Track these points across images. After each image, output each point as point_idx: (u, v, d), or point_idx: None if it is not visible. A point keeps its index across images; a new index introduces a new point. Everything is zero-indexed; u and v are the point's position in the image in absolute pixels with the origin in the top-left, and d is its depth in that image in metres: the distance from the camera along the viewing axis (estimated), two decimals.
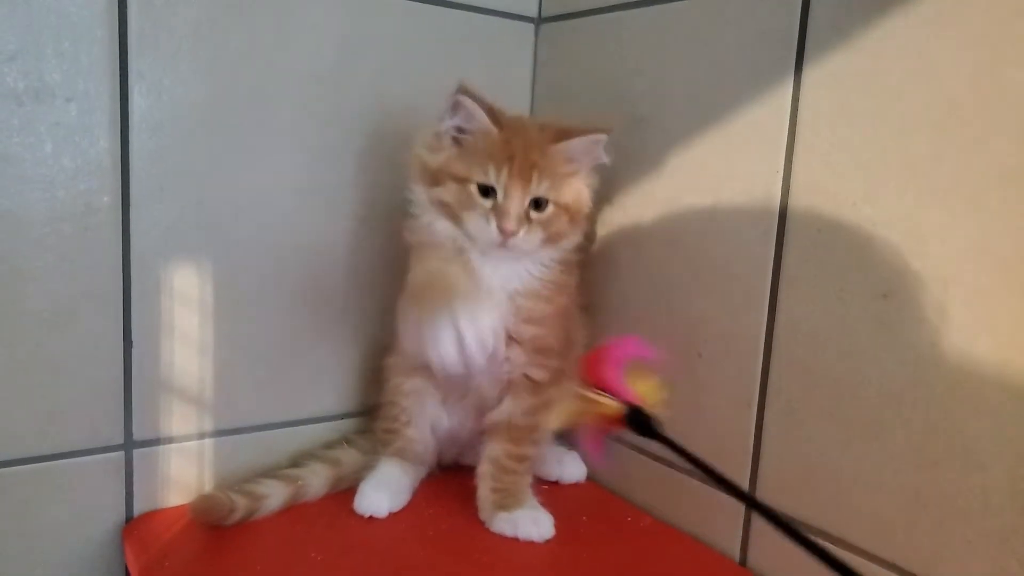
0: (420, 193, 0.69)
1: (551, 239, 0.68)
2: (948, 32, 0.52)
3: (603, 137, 0.67)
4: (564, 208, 0.67)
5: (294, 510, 0.71)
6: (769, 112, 0.64)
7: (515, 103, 0.88)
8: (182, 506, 0.72)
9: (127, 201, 0.68)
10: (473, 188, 0.65)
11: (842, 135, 0.59)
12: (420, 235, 0.70)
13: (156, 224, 0.69)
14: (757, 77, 0.64)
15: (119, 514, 0.71)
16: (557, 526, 0.70)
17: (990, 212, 0.51)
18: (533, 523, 0.69)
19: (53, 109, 0.64)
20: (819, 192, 0.60)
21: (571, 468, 0.81)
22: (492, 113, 0.66)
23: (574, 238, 0.71)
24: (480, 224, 0.65)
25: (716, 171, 0.68)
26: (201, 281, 0.72)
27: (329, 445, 0.79)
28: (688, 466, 0.70)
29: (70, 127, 0.64)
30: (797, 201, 0.62)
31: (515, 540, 0.68)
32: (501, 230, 0.64)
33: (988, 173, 0.51)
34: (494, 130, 0.66)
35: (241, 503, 0.68)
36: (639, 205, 0.76)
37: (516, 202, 0.64)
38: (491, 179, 0.65)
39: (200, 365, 0.73)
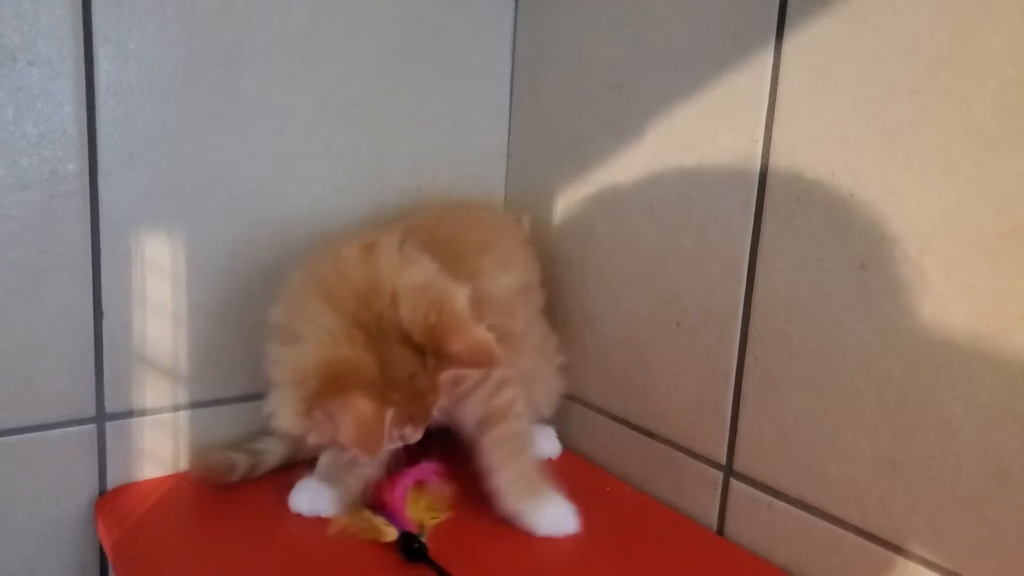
0: None
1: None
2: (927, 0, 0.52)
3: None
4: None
5: (273, 481, 0.71)
6: (749, 80, 0.63)
7: (495, 71, 0.87)
8: (156, 479, 0.72)
9: (95, 168, 0.66)
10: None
11: (821, 103, 0.58)
12: None
13: (126, 192, 0.67)
14: (737, 44, 0.64)
15: (92, 488, 0.70)
16: None
17: (966, 180, 0.50)
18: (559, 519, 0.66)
19: (14, 73, 0.62)
20: (798, 161, 0.60)
21: (542, 445, 0.80)
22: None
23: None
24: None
25: (695, 139, 0.68)
26: (173, 250, 0.71)
27: None
28: (667, 435, 0.71)
29: (32, 92, 0.62)
30: (776, 170, 0.62)
31: (491, 513, 0.67)
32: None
33: (965, 141, 0.50)
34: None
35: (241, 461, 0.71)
36: (617, 174, 0.75)
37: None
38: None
39: (174, 336, 0.72)
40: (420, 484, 0.66)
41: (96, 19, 0.64)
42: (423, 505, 0.65)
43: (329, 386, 0.56)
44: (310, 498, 0.66)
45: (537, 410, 0.79)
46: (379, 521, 0.63)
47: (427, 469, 0.67)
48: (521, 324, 0.74)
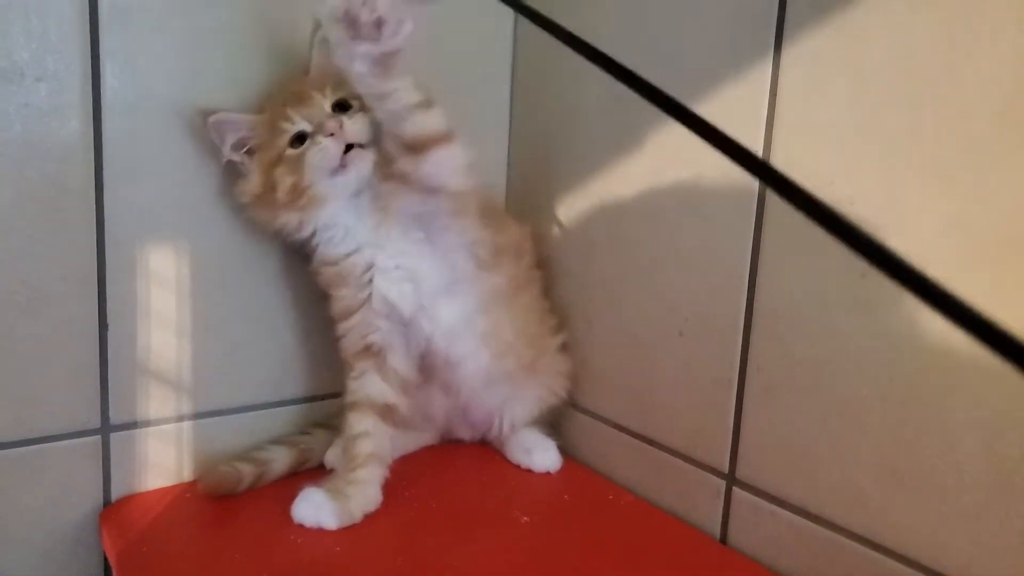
0: (283, 219, 0.69)
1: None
2: (924, 11, 0.52)
3: (319, 32, 0.69)
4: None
5: (278, 489, 0.71)
6: (748, 90, 0.63)
7: (495, 84, 0.88)
8: (160, 490, 0.72)
9: (100, 183, 0.67)
10: (290, 152, 0.67)
11: (820, 114, 0.59)
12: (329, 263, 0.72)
13: (131, 206, 0.68)
14: (737, 55, 0.64)
15: (96, 499, 0.70)
16: (539, 504, 0.71)
17: (964, 189, 0.51)
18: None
19: (22, 89, 0.62)
20: (798, 170, 0.60)
21: (541, 458, 0.79)
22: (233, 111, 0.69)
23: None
24: (318, 156, 0.66)
25: (695, 149, 0.68)
26: (178, 262, 0.71)
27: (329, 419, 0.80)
28: (669, 443, 0.71)
29: (40, 108, 0.63)
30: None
31: (496, 523, 0.68)
32: (334, 135, 0.66)
33: (962, 151, 0.51)
34: (256, 115, 0.69)
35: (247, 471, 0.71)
36: (618, 183, 0.76)
37: (322, 111, 0.67)
38: (295, 127, 0.67)
39: (178, 347, 0.72)
40: None
41: (103, 35, 0.65)
42: None
43: None
44: (313, 509, 0.66)
45: (547, 392, 0.81)
46: None
47: None
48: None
